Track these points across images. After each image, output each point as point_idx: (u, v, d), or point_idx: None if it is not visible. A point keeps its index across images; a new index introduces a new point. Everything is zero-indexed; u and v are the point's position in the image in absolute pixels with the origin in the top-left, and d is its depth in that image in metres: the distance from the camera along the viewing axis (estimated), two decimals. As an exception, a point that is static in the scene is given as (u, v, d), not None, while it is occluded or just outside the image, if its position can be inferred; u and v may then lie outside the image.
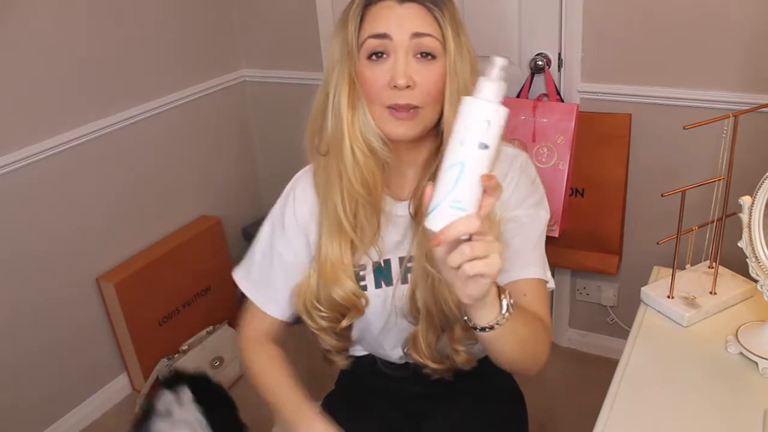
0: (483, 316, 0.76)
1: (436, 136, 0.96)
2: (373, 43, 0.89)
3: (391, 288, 1.02)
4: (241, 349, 1.12)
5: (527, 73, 1.95)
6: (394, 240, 1.01)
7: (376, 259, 1.01)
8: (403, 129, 0.90)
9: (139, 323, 2.12)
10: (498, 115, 0.65)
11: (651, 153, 1.89)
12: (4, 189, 1.78)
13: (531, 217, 0.97)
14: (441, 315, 0.98)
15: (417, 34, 0.88)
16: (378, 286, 1.02)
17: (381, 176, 0.95)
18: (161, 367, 2.15)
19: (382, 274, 1.02)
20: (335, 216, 0.96)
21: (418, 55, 0.89)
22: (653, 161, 1.89)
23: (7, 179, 1.78)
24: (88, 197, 2.01)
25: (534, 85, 1.95)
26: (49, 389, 1.98)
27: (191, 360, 2.14)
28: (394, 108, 0.89)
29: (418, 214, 0.98)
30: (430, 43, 0.88)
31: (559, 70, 1.93)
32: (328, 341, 1.06)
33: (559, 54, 1.91)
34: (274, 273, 1.06)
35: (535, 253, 0.97)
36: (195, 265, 2.30)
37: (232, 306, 2.50)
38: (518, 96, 1.95)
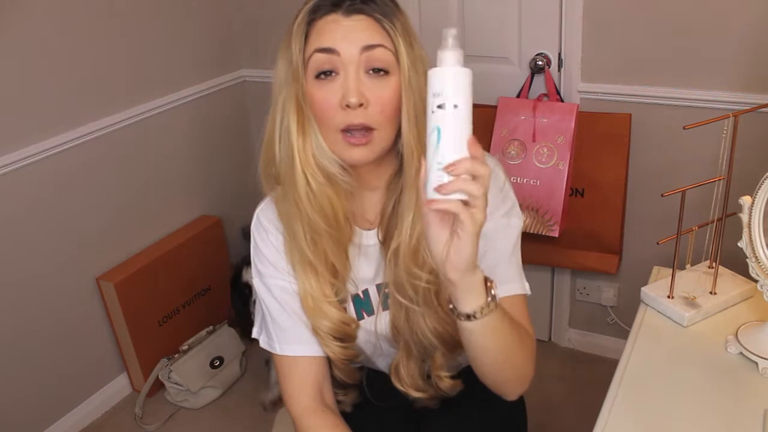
0: (468, 301, 0.76)
1: (396, 155, 0.91)
2: (319, 59, 0.82)
3: (373, 317, 1.00)
4: (297, 427, 0.99)
5: (527, 73, 1.95)
6: (369, 271, 0.98)
7: (353, 291, 0.98)
8: (359, 153, 0.84)
9: (139, 323, 2.12)
10: (460, 74, 0.69)
11: (651, 153, 1.89)
12: (4, 189, 1.78)
13: (503, 229, 0.93)
14: (419, 345, 0.95)
15: (367, 47, 0.82)
16: (360, 317, 1.00)
17: (341, 204, 0.89)
18: (161, 367, 2.15)
19: (362, 304, 1.00)
20: (302, 250, 0.92)
21: (370, 71, 0.83)
22: (653, 161, 1.89)
23: (7, 179, 1.78)
24: (88, 197, 2.01)
25: (534, 85, 1.95)
26: (49, 389, 1.98)
27: (191, 360, 2.14)
28: (348, 131, 0.83)
29: (386, 240, 0.93)
30: (382, 56, 0.82)
31: (559, 70, 1.93)
32: (342, 368, 1.01)
33: (559, 54, 1.91)
34: (290, 311, 0.98)
35: (510, 266, 0.94)
36: (195, 265, 2.30)
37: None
38: (518, 96, 1.95)
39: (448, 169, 0.68)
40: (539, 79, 1.94)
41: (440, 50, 0.70)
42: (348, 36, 0.82)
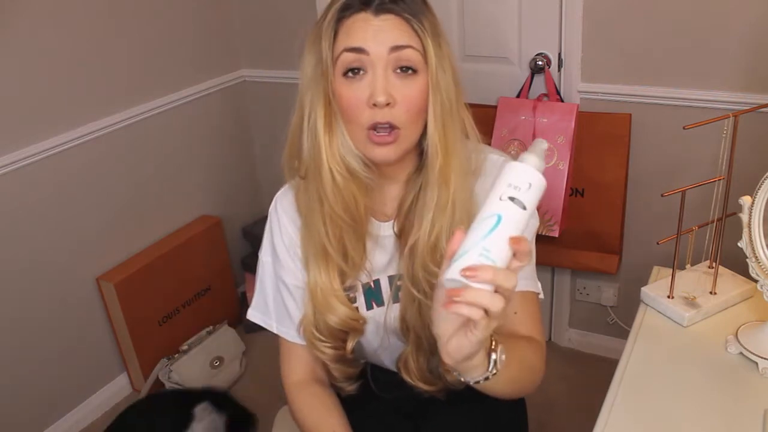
0: (468, 373, 0.74)
1: (417, 151, 0.93)
2: (348, 58, 0.83)
3: (382, 308, 1.00)
4: (287, 400, 1.07)
5: (527, 73, 1.95)
6: (382, 261, 0.99)
7: (365, 281, 0.99)
8: (384, 153, 0.86)
9: (139, 323, 2.12)
10: (539, 181, 0.66)
11: (651, 153, 1.89)
12: (4, 189, 1.78)
13: None
14: (429, 338, 0.96)
15: (396, 47, 0.83)
16: (369, 307, 1.01)
17: (363, 199, 0.90)
18: (161, 367, 2.15)
19: (373, 295, 1.00)
20: (320, 242, 0.93)
21: (398, 70, 0.84)
22: (653, 161, 1.89)
23: (7, 179, 1.78)
24: (88, 197, 2.01)
25: (534, 85, 1.95)
26: (49, 389, 1.98)
27: (191, 360, 2.14)
28: (374, 128, 0.84)
29: (403, 233, 0.95)
30: (411, 56, 0.83)
31: (559, 70, 1.93)
32: (339, 369, 1.03)
33: (559, 54, 1.91)
34: (288, 302, 1.03)
35: None
36: (195, 265, 2.30)
37: (232, 306, 2.51)
38: (518, 96, 1.95)
39: (469, 272, 0.63)
40: (539, 79, 1.94)
41: (528, 153, 0.67)
42: (377, 36, 0.83)
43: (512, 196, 0.65)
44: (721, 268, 1.21)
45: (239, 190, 2.60)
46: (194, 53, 2.30)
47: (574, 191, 1.95)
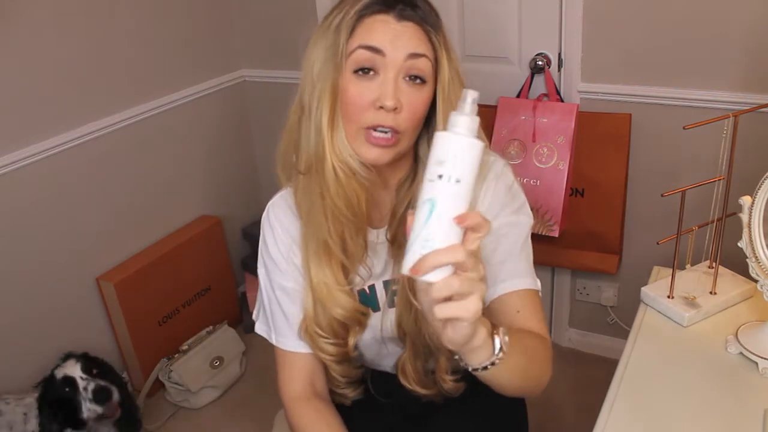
0: (474, 358, 0.72)
1: (411, 158, 0.93)
2: (363, 55, 0.83)
3: (378, 314, 1.00)
4: (286, 415, 1.04)
5: (527, 73, 1.95)
6: (377, 267, 0.99)
7: (366, 277, 0.99)
8: (378, 153, 0.86)
9: (139, 323, 2.12)
10: (471, 148, 0.62)
11: (651, 153, 1.89)
12: (4, 189, 1.78)
13: (511, 226, 0.93)
14: (425, 345, 0.96)
15: (413, 55, 0.83)
16: None
17: (364, 195, 0.90)
18: (161, 367, 2.15)
19: (367, 300, 1.00)
20: (321, 238, 0.92)
21: (408, 78, 0.84)
22: (653, 161, 1.89)
23: (7, 179, 1.78)
24: (88, 197, 2.01)
25: (534, 85, 1.95)
26: (49, 389, 1.98)
27: (191, 360, 2.15)
28: (373, 128, 0.84)
29: (396, 240, 0.95)
30: (424, 66, 0.84)
31: (559, 70, 1.93)
32: (341, 370, 1.02)
33: (559, 54, 1.91)
34: (285, 307, 1.01)
35: (521, 262, 0.94)
36: (195, 265, 2.30)
37: (232, 306, 2.50)
38: (518, 96, 1.95)
39: (420, 267, 0.61)
40: (539, 79, 1.94)
41: (455, 113, 0.63)
42: (396, 41, 0.83)
43: (440, 173, 0.61)
44: (721, 268, 1.21)
45: (239, 190, 2.60)
46: (194, 53, 2.30)
47: (574, 191, 1.95)
